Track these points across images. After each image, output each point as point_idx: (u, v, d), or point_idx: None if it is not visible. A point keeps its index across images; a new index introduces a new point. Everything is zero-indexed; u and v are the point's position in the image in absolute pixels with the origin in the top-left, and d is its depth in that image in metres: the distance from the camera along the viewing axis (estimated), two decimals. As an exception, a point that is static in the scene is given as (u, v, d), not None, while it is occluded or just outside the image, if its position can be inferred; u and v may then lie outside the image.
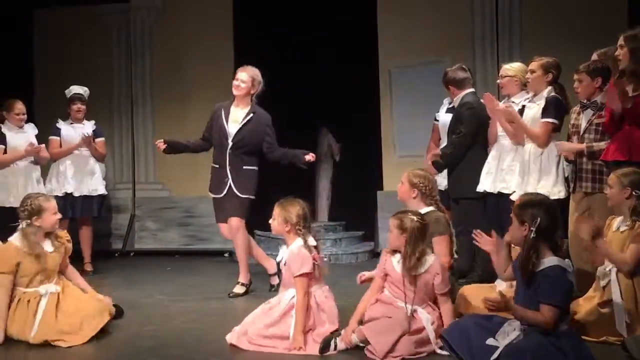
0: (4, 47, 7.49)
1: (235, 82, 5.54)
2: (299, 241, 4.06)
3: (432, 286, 3.88)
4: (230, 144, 5.50)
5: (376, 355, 3.67)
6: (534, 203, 3.51)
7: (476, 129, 5.51)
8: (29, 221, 4.27)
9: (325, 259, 4.18)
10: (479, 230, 3.88)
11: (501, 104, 5.31)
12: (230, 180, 5.47)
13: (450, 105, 6.08)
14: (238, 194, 5.45)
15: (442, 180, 5.69)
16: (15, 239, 4.31)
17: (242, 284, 5.48)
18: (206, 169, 7.72)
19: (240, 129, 5.50)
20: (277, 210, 4.13)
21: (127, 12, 8.03)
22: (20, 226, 4.30)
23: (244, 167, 5.49)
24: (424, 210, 4.38)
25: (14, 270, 4.22)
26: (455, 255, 4.49)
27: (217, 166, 5.61)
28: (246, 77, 5.52)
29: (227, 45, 7.78)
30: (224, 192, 5.50)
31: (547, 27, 6.87)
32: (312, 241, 4.09)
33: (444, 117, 6.11)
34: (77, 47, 7.96)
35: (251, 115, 5.51)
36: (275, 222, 4.13)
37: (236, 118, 5.54)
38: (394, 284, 3.92)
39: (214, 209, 5.70)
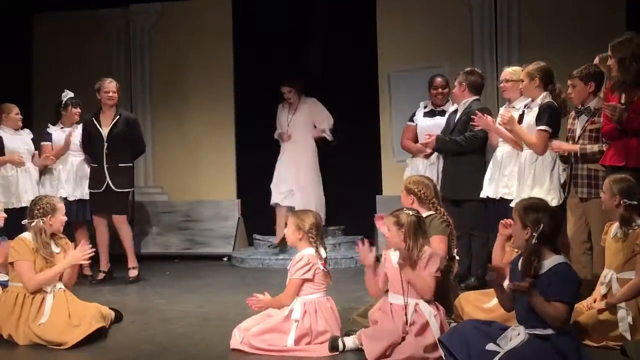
0: (3, 51, 7.50)
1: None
2: (309, 250, 4.09)
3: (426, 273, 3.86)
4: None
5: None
6: (539, 208, 3.50)
7: (487, 136, 5.59)
8: (44, 219, 4.35)
9: (328, 267, 4.19)
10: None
11: (501, 110, 5.34)
12: None
13: (427, 109, 6.19)
14: None
15: None
16: (27, 236, 4.37)
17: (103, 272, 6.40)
18: (205, 173, 7.80)
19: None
20: (290, 219, 4.17)
21: (127, 16, 8.05)
22: (34, 224, 4.36)
23: None
24: (425, 214, 4.38)
25: (34, 260, 4.30)
26: (457, 257, 4.50)
27: None
28: None
29: (226, 48, 7.80)
30: None
31: (545, 33, 6.88)
32: (322, 252, 4.11)
33: (423, 121, 6.18)
34: (77, 51, 7.97)
35: None
36: (289, 230, 4.16)
37: None
38: (392, 281, 3.93)
39: None
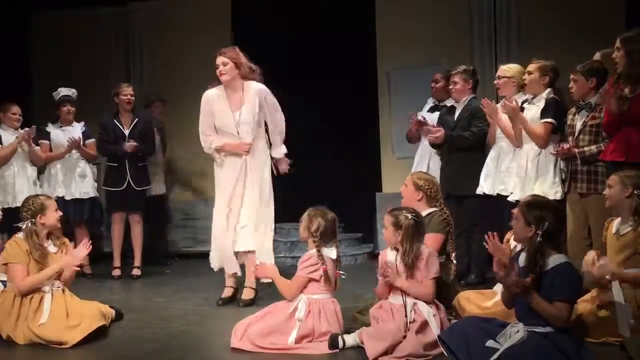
0: (2, 50, 7.49)
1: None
2: (313, 250, 4.10)
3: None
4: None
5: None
6: (542, 205, 3.50)
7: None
8: (33, 220, 4.32)
9: (343, 277, 4.19)
10: (494, 233, 3.83)
11: (498, 105, 5.34)
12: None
13: (433, 104, 6.21)
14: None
15: None
16: (21, 237, 4.34)
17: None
18: (205, 171, 7.79)
19: None
20: (304, 216, 4.19)
21: (125, 14, 8.04)
22: (25, 226, 4.33)
23: None
24: (428, 211, 4.39)
25: (27, 262, 4.27)
26: (454, 260, 4.50)
27: None
28: None
29: (226, 46, 7.76)
30: None
31: (545, 30, 6.89)
32: (331, 253, 4.11)
33: (428, 116, 6.21)
34: (75, 50, 7.98)
35: None
36: (302, 226, 4.19)
37: None
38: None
39: None
